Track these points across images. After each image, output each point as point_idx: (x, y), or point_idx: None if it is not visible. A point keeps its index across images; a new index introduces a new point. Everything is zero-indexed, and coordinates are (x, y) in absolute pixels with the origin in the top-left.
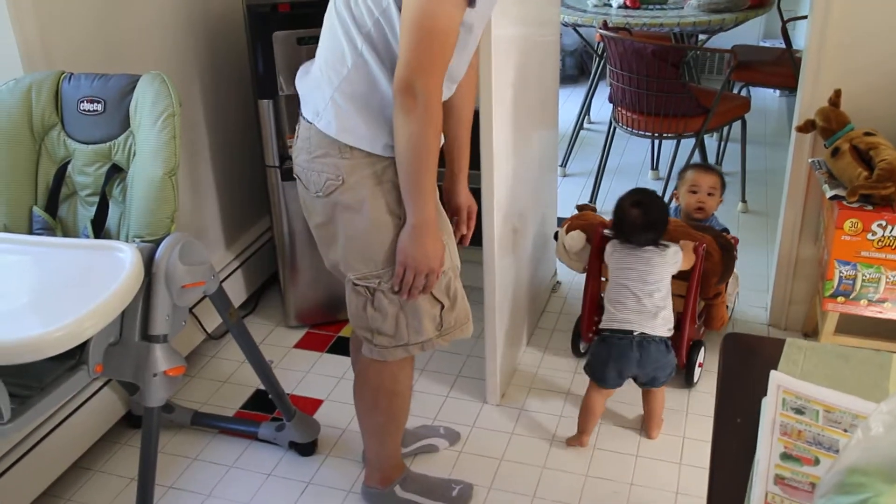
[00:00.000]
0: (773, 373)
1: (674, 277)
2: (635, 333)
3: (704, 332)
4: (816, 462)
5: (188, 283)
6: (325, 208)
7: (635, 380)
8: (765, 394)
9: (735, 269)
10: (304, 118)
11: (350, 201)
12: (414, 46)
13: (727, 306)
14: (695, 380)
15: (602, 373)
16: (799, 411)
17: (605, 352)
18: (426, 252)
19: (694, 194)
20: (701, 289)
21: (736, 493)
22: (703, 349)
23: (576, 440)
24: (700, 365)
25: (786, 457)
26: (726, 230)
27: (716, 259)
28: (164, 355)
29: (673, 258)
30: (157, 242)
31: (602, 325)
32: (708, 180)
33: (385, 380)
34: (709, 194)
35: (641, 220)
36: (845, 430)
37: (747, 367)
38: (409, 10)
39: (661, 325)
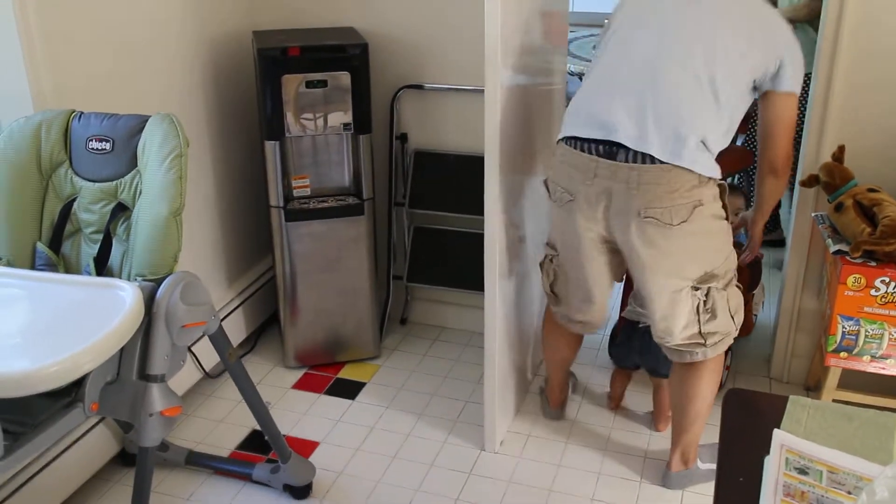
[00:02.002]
0: (776, 431)
1: None
2: (640, 325)
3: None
4: None
5: (189, 322)
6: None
7: (646, 370)
8: (767, 452)
9: (761, 281)
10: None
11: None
12: (791, 138)
13: (753, 315)
14: (723, 381)
15: (614, 355)
16: (802, 471)
17: (619, 337)
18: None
19: None
20: None
21: None
22: (730, 353)
23: (610, 402)
24: (727, 368)
25: None
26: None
27: (744, 271)
28: (161, 395)
29: None
30: (160, 282)
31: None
32: (734, 202)
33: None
34: (735, 214)
35: None
36: (849, 493)
37: (750, 424)
38: (789, 116)
39: None
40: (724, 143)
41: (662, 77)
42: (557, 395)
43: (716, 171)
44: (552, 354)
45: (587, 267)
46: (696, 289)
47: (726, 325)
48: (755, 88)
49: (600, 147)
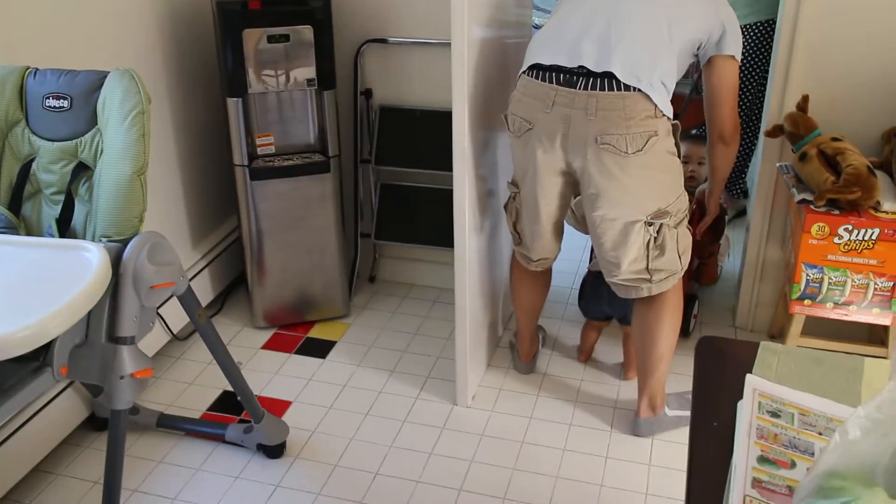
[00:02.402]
0: (748, 376)
1: None
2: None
3: (697, 288)
4: (793, 465)
5: (157, 283)
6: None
7: (616, 318)
8: (740, 397)
9: (726, 232)
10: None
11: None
12: (735, 103)
13: (719, 266)
14: (690, 329)
15: (584, 307)
16: (775, 414)
17: (587, 289)
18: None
19: (686, 164)
20: (697, 248)
21: (714, 496)
22: (696, 302)
23: (580, 355)
24: (695, 316)
25: (763, 460)
26: None
27: (715, 222)
28: (132, 357)
29: None
30: (125, 242)
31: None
32: (698, 151)
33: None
34: (699, 164)
35: None
36: (820, 434)
37: (722, 370)
38: (731, 81)
39: None
40: (671, 90)
41: (625, 12)
42: (527, 347)
43: (669, 111)
44: (521, 302)
45: (540, 197)
46: (649, 224)
47: (673, 264)
48: (695, 55)
49: (560, 76)
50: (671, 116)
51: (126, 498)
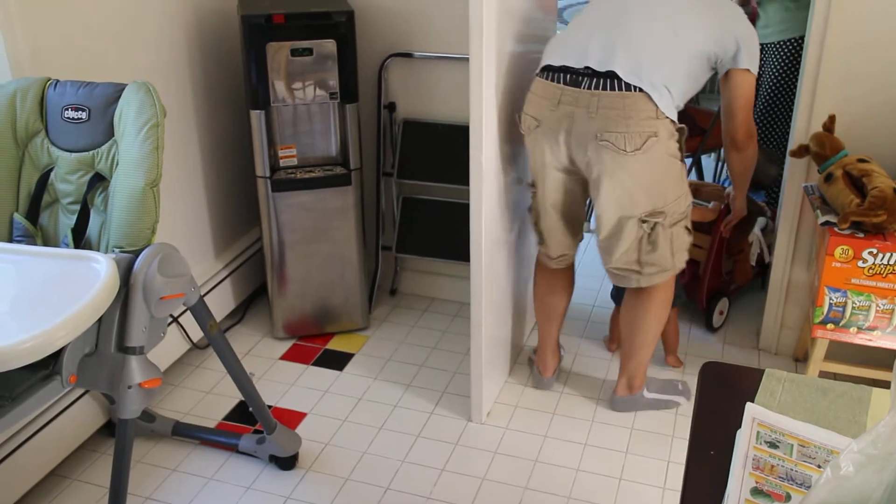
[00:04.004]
0: (748, 405)
1: (695, 230)
2: None
3: (735, 287)
4: (787, 498)
5: (167, 294)
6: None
7: None
8: (740, 426)
9: (756, 232)
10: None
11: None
12: (750, 113)
13: (751, 265)
14: (714, 325)
15: (615, 294)
16: (773, 445)
17: None
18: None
19: None
20: (734, 245)
21: None
22: (726, 300)
23: (609, 344)
24: (721, 313)
25: (756, 492)
26: None
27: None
28: (140, 367)
29: None
30: (137, 253)
31: None
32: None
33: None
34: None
35: None
36: (819, 466)
37: (724, 397)
38: (746, 93)
39: None
40: (680, 103)
41: (633, 19)
42: (548, 360)
43: (673, 113)
44: (543, 306)
45: (549, 192)
46: (644, 222)
47: (665, 260)
48: (713, 68)
49: (567, 76)
50: (675, 120)
51: None
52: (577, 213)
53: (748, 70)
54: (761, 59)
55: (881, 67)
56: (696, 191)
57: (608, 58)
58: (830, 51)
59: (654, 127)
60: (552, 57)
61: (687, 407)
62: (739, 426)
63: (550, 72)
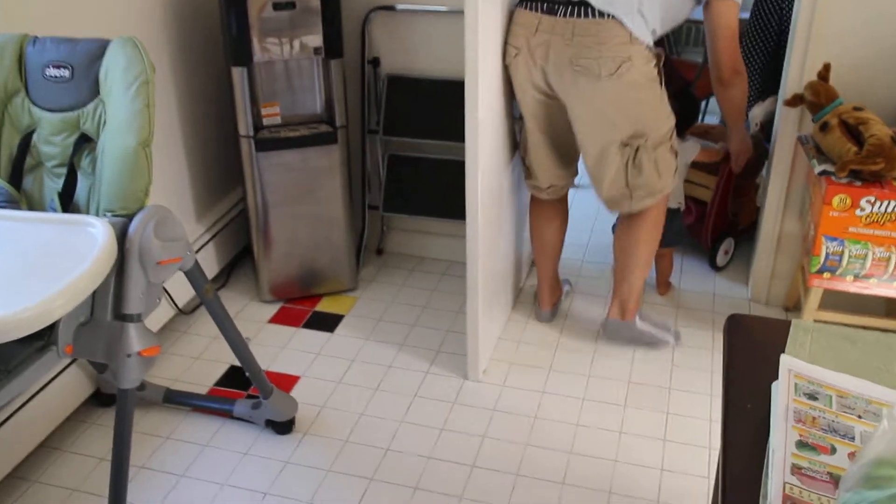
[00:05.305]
0: (783, 357)
1: (702, 170)
2: None
3: (742, 228)
4: (833, 451)
5: (164, 259)
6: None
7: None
8: (773, 378)
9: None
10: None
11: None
12: (734, 43)
13: (757, 206)
14: (719, 264)
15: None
16: (812, 396)
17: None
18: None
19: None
20: (741, 187)
21: (751, 482)
22: (731, 240)
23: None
24: (727, 252)
25: (802, 445)
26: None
27: (749, 162)
28: (139, 335)
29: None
30: (130, 217)
31: None
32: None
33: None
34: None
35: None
36: (859, 417)
37: (753, 349)
38: (728, 24)
39: None
40: (657, 27)
41: None
42: (547, 294)
43: (648, 38)
44: (539, 241)
45: (532, 119)
46: (625, 145)
47: (652, 182)
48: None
49: (544, 4)
50: (650, 45)
51: (133, 475)
52: (566, 142)
53: None
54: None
55: (875, 16)
56: (705, 132)
57: None
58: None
59: (628, 52)
60: None
61: (683, 359)
62: (772, 379)
63: (529, 0)
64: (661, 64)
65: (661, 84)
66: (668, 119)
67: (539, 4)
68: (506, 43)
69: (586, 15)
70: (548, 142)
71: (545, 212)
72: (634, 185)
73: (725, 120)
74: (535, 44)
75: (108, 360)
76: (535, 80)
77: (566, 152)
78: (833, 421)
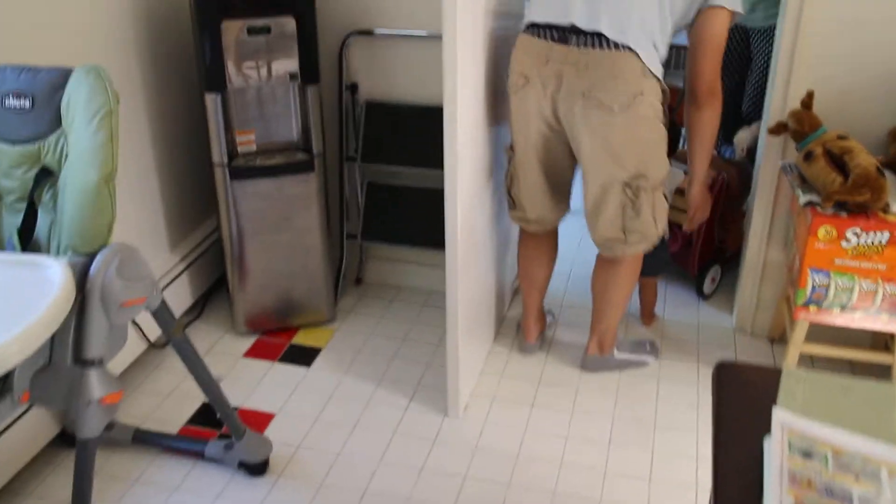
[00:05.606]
0: (775, 410)
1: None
2: None
3: (729, 255)
4: None
5: (127, 300)
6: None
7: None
8: (764, 429)
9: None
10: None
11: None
12: (716, 61)
13: (743, 232)
14: (705, 292)
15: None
16: (806, 454)
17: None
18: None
19: None
20: (728, 214)
21: None
22: (718, 267)
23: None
24: (713, 280)
25: None
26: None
27: (734, 183)
28: (100, 381)
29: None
30: (93, 255)
31: None
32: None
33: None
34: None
35: None
36: (857, 478)
37: (743, 400)
38: (716, 34)
39: None
40: (663, 54)
41: None
42: (531, 326)
43: (659, 69)
44: (525, 272)
45: (533, 152)
46: (627, 186)
47: (647, 228)
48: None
49: (554, 33)
50: (661, 78)
51: None
52: (562, 176)
53: (721, 7)
54: (752, 45)
55: (860, 42)
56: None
57: (593, 16)
58: (806, 25)
59: (641, 85)
60: (536, 12)
61: (668, 394)
62: (763, 430)
63: (537, 28)
64: (666, 102)
65: (664, 123)
66: (665, 163)
67: (549, 32)
68: (511, 69)
69: (601, 46)
70: (543, 175)
71: (535, 244)
72: (630, 228)
73: (689, 154)
74: (547, 74)
75: (67, 407)
76: (543, 110)
77: (561, 187)
78: (829, 483)
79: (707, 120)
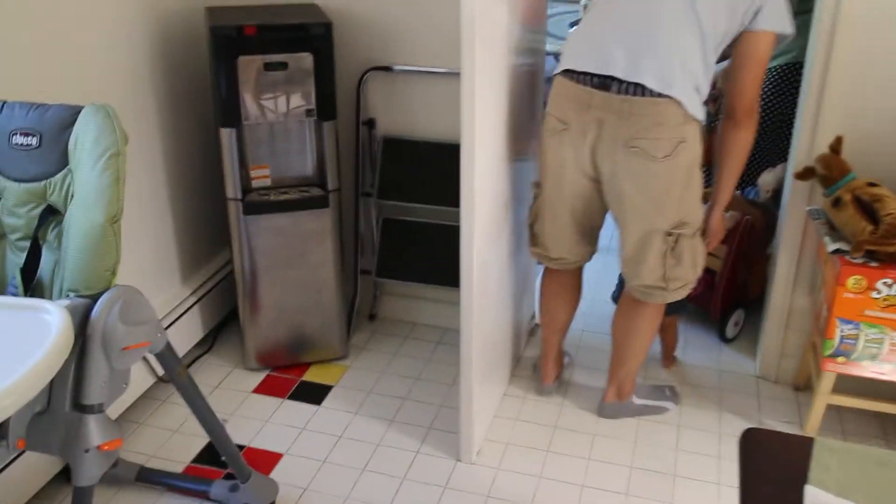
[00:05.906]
0: (808, 489)
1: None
2: None
3: (752, 298)
4: None
5: (129, 344)
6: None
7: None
8: (794, 500)
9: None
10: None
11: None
12: (758, 79)
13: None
14: (728, 335)
15: (617, 296)
16: None
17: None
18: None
19: None
20: (751, 256)
21: None
22: (741, 311)
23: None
24: (737, 324)
25: None
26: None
27: (758, 227)
28: (99, 428)
29: None
30: (95, 298)
31: None
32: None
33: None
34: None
35: None
36: None
37: (771, 469)
38: (760, 51)
39: None
40: (705, 93)
41: (656, 16)
42: (549, 368)
43: (701, 112)
44: (546, 312)
45: (566, 196)
46: (669, 234)
47: (688, 274)
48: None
49: (595, 79)
50: (703, 119)
51: None
52: (592, 221)
53: (765, 31)
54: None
55: (890, 86)
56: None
57: (634, 68)
58: (835, 71)
59: (683, 133)
60: (573, 61)
61: (687, 443)
62: (793, 501)
63: (575, 73)
64: (703, 146)
65: (701, 168)
66: (701, 206)
67: (589, 78)
68: (548, 112)
69: (643, 94)
70: (572, 219)
71: (558, 282)
72: (671, 276)
73: (717, 177)
74: (588, 121)
75: (64, 454)
76: (582, 158)
77: (590, 231)
78: None
79: (742, 140)
